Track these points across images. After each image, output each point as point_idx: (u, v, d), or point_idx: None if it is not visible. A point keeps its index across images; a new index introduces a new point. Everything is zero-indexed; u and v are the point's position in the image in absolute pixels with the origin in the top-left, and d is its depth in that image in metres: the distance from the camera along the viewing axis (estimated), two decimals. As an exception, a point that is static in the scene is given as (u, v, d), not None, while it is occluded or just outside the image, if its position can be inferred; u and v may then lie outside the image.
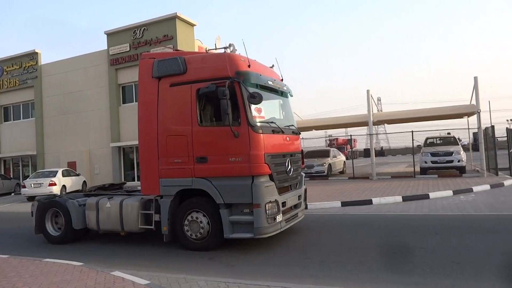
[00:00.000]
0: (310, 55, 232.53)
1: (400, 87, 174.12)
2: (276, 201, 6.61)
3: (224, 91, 6.33)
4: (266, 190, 6.47)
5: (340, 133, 47.05)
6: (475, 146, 23.23)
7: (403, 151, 44.09)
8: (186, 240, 6.96)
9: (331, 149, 24.35)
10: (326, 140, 42.98)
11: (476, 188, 12.86)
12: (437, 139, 20.17)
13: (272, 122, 7.03)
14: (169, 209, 7.03)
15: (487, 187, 13.25)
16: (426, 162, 17.88)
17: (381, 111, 60.41)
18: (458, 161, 17.27)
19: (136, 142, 25.43)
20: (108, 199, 7.93)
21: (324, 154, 21.96)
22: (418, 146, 19.43)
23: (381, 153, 53.28)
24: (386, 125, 31.02)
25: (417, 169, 18.19)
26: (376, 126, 45.78)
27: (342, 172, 22.60)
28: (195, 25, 23.63)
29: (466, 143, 26.92)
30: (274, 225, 6.56)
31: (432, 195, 11.86)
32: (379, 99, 69.37)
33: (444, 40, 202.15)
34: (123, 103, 24.30)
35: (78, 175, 21.49)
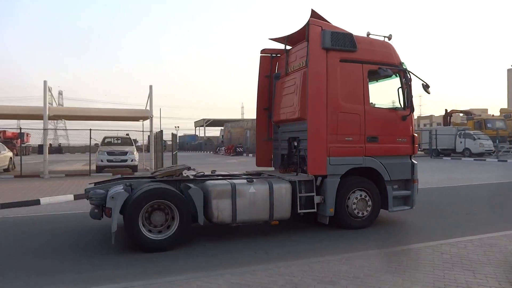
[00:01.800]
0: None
1: (91, 85, 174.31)
2: None
3: (409, 78, 7.45)
4: None
5: (10, 125, 39.31)
6: (149, 148, 25.64)
7: (83, 149, 43.38)
8: (350, 219, 7.06)
9: None
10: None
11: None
12: (115, 139, 21.49)
13: None
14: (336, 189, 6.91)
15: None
16: (102, 161, 18.73)
17: (62, 105, 54.53)
18: (132, 161, 18.88)
19: None
20: (249, 182, 6.55)
21: (-20, 149, 19.57)
22: (96, 144, 20.17)
23: (58, 150, 53.15)
24: (66, 121, 30.48)
25: (94, 167, 18.74)
26: (55, 121, 41.05)
27: (7, 170, 19.81)
28: None
29: (141, 144, 29.14)
30: None
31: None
32: (60, 93, 68.69)
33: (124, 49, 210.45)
34: None
35: None
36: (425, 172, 17.79)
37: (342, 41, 7.03)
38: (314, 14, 7.38)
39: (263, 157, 8.91)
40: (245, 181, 6.62)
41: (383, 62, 7.29)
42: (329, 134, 6.82)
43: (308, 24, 7.04)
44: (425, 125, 79.01)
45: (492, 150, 28.56)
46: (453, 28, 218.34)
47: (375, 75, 7.39)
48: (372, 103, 7.34)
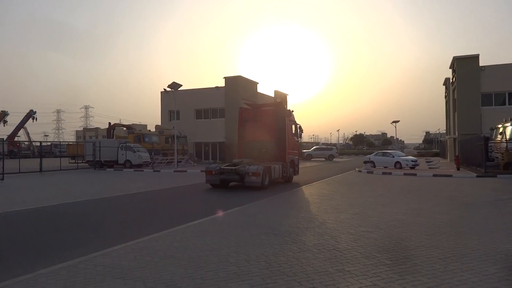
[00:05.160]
0: None
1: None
2: None
3: (298, 126, 20.35)
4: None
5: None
6: None
7: None
8: (290, 178, 19.18)
9: None
10: None
11: None
12: None
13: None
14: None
15: None
16: None
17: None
18: None
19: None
20: (274, 163, 17.33)
21: None
22: None
23: None
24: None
25: None
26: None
27: None
28: None
29: None
30: None
31: None
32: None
33: None
34: None
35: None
36: (85, 184, 18.46)
37: (289, 114, 18.98)
38: (283, 106, 18.94)
39: (240, 156, 18.73)
40: (276, 162, 17.42)
41: (293, 120, 19.60)
42: (287, 149, 18.34)
43: (286, 110, 18.78)
44: (90, 137, 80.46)
45: (149, 161, 31.73)
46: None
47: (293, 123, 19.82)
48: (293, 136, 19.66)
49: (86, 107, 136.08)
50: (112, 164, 32.23)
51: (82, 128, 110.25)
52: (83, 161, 33.98)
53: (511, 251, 5.85)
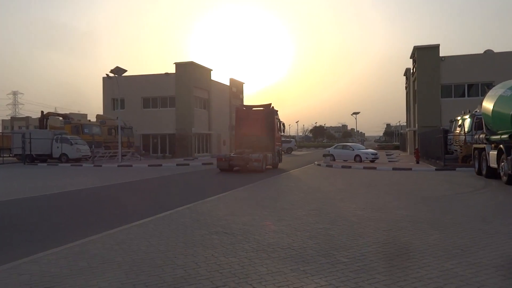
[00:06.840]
0: None
1: None
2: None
3: (282, 122, 26.87)
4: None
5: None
6: None
7: None
8: (277, 164, 26.03)
9: None
10: None
11: None
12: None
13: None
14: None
15: None
16: None
17: None
18: None
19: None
20: (267, 153, 23.61)
21: None
22: None
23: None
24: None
25: None
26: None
27: None
28: None
29: None
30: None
31: None
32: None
33: None
34: None
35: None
36: (12, 181, 17.89)
37: (276, 113, 25.25)
38: (272, 107, 24.96)
39: (237, 147, 24.49)
40: (267, 152, 23.42)
41: (278, 118, 25.62)
42: (275, 140, 24.72)
43: (274, 110, 24.94)
44: (20, 127, 76.93)
45: (88, 155, 30.82)
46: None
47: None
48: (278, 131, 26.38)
49: (15, 93, 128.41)
50: (45, 158, 31.03)
51: (9, 117, 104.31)
52: (10, 155, 32.40)
53: (467, 246, 6.19)
